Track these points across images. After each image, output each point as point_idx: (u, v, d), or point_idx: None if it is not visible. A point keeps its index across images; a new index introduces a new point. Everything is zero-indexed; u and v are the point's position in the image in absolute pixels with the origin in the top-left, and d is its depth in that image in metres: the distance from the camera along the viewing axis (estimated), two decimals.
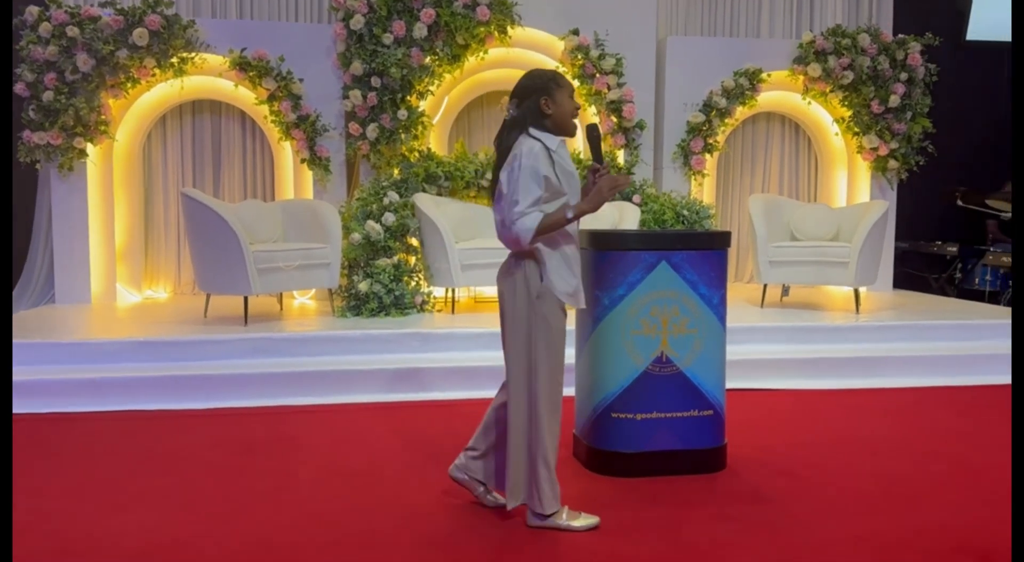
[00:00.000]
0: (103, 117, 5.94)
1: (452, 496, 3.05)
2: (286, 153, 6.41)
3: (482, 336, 4.92)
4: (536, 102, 2.66)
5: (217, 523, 2.80)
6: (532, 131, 2.66)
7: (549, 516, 2.72)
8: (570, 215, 2.59)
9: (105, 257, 6.16)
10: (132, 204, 6.37)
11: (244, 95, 6.27)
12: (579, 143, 6.42)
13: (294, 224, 5.73)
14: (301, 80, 6.09)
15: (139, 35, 5.79)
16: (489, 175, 6.08)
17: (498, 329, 5.12)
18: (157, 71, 5.98)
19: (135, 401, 4.28)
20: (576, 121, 2.73)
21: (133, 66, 5.89)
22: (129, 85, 5.97)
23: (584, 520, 2.75)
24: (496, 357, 4.76)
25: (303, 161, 6.21)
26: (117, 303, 6.16)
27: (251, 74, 6.05)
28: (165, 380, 4.37)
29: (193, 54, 6.00)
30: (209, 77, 6.19)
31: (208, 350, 4.66)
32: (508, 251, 2.74)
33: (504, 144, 2.68)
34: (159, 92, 6.23)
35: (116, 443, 3.69)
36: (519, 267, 2.68)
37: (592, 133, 2.79)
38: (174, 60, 5.95)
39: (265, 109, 6.18)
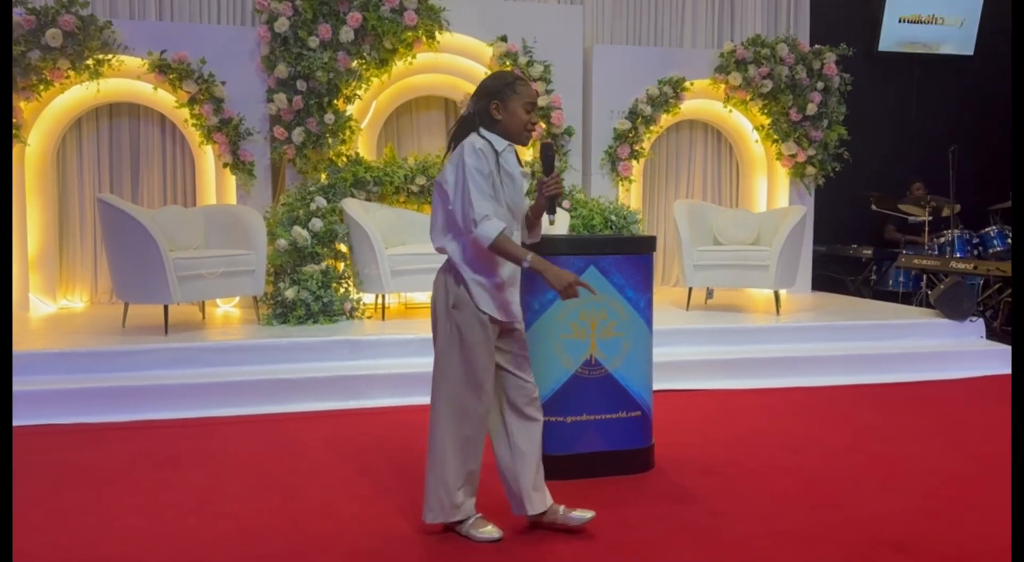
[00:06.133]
0: (14, 120, 5.70)
1: (384, 507, 3.03)
2: (208, 157, 6.26)
3: (413, 342, 4.89)
4: (487, 105, 2.62)
5: (139, 541, 2.71)
6: (482, 131, 2.62)
7: (453, 524, 2.70)
8: (525, 265, 2.51)
9: (17, 266, 5.90)
10: (46, 210, 6.11)
11: (164, 98, 6.10)
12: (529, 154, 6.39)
13: (217, 230, 5.60)
14: (223, 83, 5.96)
15: (52, 36, 5.58)
16: (419, 180, 6.05)
17: (429, 335, 5.12)
18: (72, 73, 5.77)
19: (50, 415, 4.11)
20: (528, 134, 2.66)
21: (46, 68, 5.67)
22: (42, 87, 5.75)
23: (488, 533, 2.69)
24: (426, 363, 4.77)
25: (226, 166, 6.07)
26: (30, 313, 5.91)
27: (171, 77, 5.89)
28: (82, 393, 4.21)
29: (110, 56, 5.81)
30: (127, 79, 6.00)
31: (127, 361, 4.51)
32: (440, 256, 2.72)
33: (454, 141, 2.65)
34: (74, 95, 6.01)
35: (30, 459, 3.53)
36: (444, 273, 2.67)
37: (546, 152, 2.73)
38: (90, 62, 5.75)
39: (186, 112, 6.03)
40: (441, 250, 2.67)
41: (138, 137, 6.47)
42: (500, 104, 2.61)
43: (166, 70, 5.88)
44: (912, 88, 8.87)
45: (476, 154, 2.53)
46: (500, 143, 2.61)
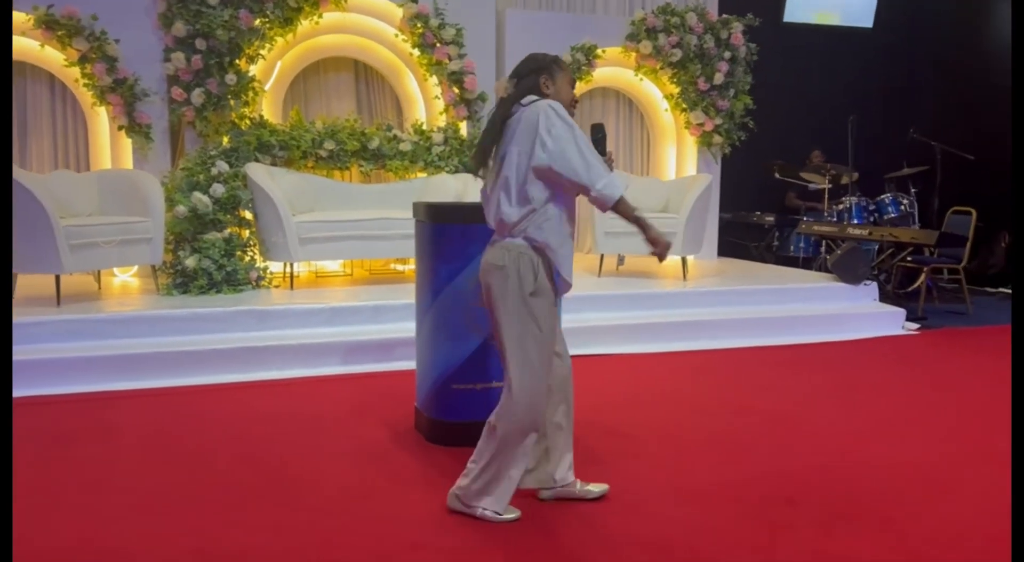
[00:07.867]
0: None
1: (291, 480, 2.98)
2: (101, 120, 5.94)
3: (323, 312, 4.81)
4: (536, 80, 2.60)
5: (30, 522, 2.59)
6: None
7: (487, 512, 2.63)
8: (638, 215, 2.56)
9: None
10: None
11: (52, 56, 5.74)
12: None
13: (112, 196, 5.33)
14: (117, 41, 5.64)
15: None
16: (327, 145, 5.89)
17: (341, 304, 5.00)
18: None
19: None
20: (571, 111, 2.58)
21: None
22: None
23: (509, 513, 2.64)
24: (335, 333, 4.72)
25: (121, 128, 5.78)
26: None
27: (59, 33, 5.53)
28: None
29: None
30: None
31: (17, 333, 4.26)
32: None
33: (503, 117, 2.56)
34: None
35: None
36: (511, 261, 2.53)
37: (597, 134, 2.71)
38: None
39: (76, 72, 5.69)
40: (506, 225, 2.57)
41: (25, 98, 6.08)
42: (548, 78, 2.61)
43: (54, 26, 5.52)
44: (815, 59, 9.12)
45: (559, 112, 2.47)
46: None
